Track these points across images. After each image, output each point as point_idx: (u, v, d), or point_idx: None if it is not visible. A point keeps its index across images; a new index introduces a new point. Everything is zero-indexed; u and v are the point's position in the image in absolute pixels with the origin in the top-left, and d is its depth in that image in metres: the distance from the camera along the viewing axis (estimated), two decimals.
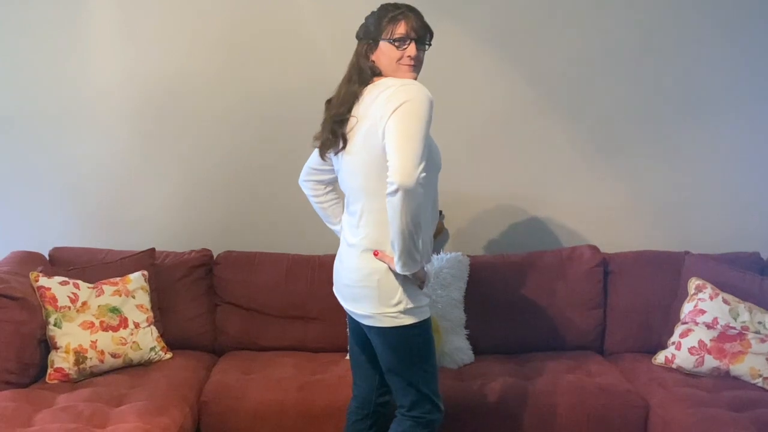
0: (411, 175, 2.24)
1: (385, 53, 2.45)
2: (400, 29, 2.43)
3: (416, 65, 2.45)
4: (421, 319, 2.48)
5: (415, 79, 2.45)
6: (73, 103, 3.60)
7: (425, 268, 2.51)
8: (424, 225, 2.42)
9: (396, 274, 2.42)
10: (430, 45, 2.50)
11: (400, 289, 2.44)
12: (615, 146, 3.68)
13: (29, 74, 3.58)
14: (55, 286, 3.10)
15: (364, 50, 2.49)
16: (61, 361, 3.01)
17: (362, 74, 2.48)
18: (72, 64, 3.58)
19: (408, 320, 2.46)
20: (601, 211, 3.71)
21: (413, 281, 2.45)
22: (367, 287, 2.48)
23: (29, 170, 3.64)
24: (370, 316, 2.49)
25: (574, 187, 3.70)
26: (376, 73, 2.48)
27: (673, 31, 3.60)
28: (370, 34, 2.48)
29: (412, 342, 2.50)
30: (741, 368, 3.09)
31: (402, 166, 2.25)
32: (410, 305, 2.45)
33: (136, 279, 3.29)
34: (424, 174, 2.27)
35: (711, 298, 3.24)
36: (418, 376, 2.53)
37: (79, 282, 3.17)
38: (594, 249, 3.53)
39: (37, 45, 3.55)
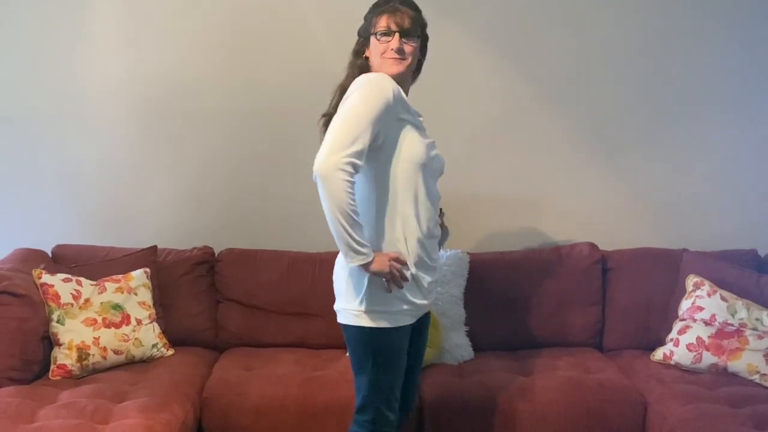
0: (326, 160, 2.18)
1: (372, 48, 2.41)
2: (382, 22, 2.37)
3: (402, 58, 2.36)
4: (385, 325, 2.36)
5: (403, 73, 2.37)
6: (76, 101, 3.60)
7: (412, 273, 2.37)
8: (373, 217, 2.35)
9: (362, 272, 2.32)
10: (419, 37, 2.42)
11: (365, 288, 2.34)
12: (614, 145, 3.68)
13: (32, 73, 3.57)
14: (58, 283, 3.09)
15: (360, 47, 2.46)
16: (63, 357, 3.00)
17: (353, 71, 2.44)
18: (74, 63, 3.57)
19: (367, 322, 2.35)
20: (599, 209, 3.71)
21: (379, 282, 2.32)
22: (338, 281, 2.45)
23: (32, 168, 3.63)
24: (338, 310, 2.45)
25: (573, 185, 3.70)
26: (365, 69, 2.43)
27: (672, 30, 3.59)
28: (363, 31, 2.46)
29: (368, 346, 2.38)
30: (739, 365, 3.09)
31: (321, 152, 2.20)
32: (373, 307, 2.34)
33: (139, 276, 3.28)
34: (347, 160, 2.18)
35: (709, 295, 3.24)
36: (367, 383, 2.41)
37: (82, 279, 3.16)
38: (593, 246, 3.53)
39: (39, 44, 3.55)
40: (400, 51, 2.36)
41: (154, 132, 3.64)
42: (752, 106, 3.64)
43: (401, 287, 2.35)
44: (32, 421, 2.61)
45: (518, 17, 3.57)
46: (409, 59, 2.38)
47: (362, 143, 2.22)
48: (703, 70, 3.62)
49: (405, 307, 2.39)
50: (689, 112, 3.65)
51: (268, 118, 3.62)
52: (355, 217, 2.22)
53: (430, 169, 2.42)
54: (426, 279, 2.44)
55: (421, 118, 2.47)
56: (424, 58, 2.52)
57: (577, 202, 3.71)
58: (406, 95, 2.44)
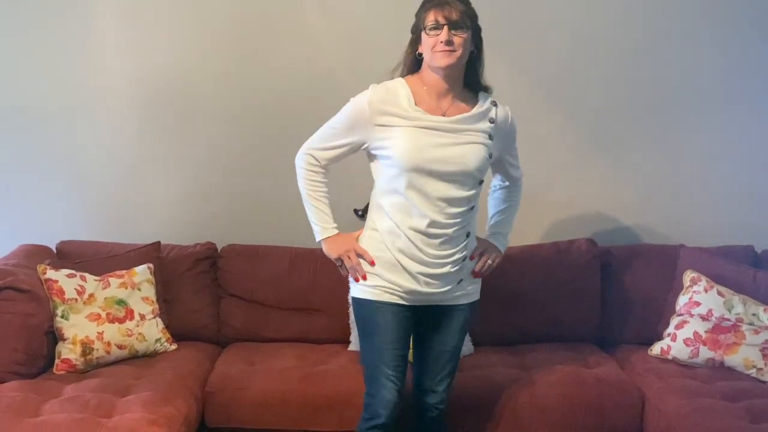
0: (298, 153, 2.63)
1: (424, 43, 2.43)
2: (431, 17, 2.39)
3: (452, 50, 2.38)
4: (362, 296, 2.55)
5: (453, 64, 2.40)
6: (81, 99, 3.59)
7: (371, 270, 2.53)
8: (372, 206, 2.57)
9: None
10: (470, 29, 2.42)
11: None
12: (612, 141, 3.67)
13: (38, 71, 3.57)
14: (63, 279, 3.08)
15: (411, 44, 2.51)
16: (68, 352, 3.00)
17: (402, 69, 2.53)
18: (80, 60, 3.57)
19: (353, 292, 2.60)
20: (598, 205, 3.70)
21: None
22: None
23: (38, 165, 3.63)
24: None
25: (571, 182, 3.69)
26: (410, 64, 2.51)
27: (669, 25, 3.57)
28: (414, 29, 2.50)
29: (356, 315, 2.64)
30: (735, 359, 3.08)
31: None
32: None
33: (142, 272, 3.27)
34: (307, 152, 2.59)
35: (706, 290, 3.23)
36: (362, 353, 2.64)
37: (86, 275, 3.15)
38: (591, 242, 3.51)
39: (46, 42, 3.54)
40: (449, 42, 2.37)
41: (157, 129, 3.63)
42: (750, 104, 3.62)
43: (356, 278, 2.56)
44: (37, 414, 2.61)
45: (515, 13, 3.56)
46: (460, 50, 2.40)
47: (330, 143, 2.54)
48: (701, 67, 3.60)
49: (383, 283, 2.51)
50: (687, 109, 3.64)
51: (271, 116, 3.61)
52: (308, 199, 2.60)
53: (426, 170, 2.42)
54: (413, 266, 2.48)
55: (443, 116, 2.46)
56: (480, 50, 2.52)
57: (576, 198, 3.70)
58: (458, 88, 2.49)
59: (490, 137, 2.50)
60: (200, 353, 3.27)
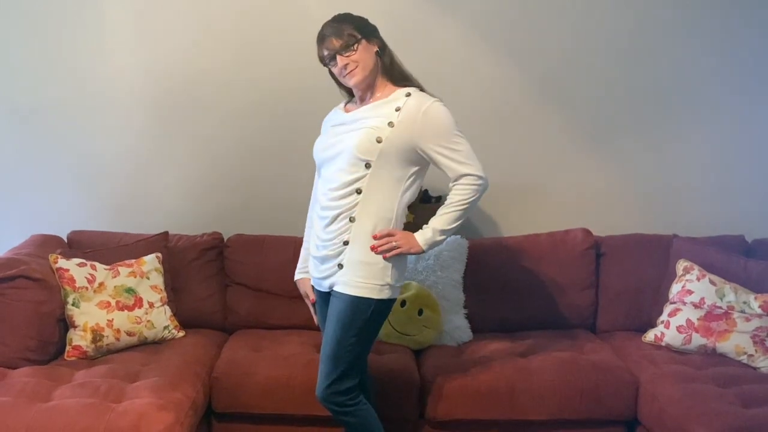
0: None
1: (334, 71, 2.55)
2: (321, 53, 2.52)
3: (351, 71, 2.48)
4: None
5: (360, 81, 2.49)
6: (91, 94, 3.57)
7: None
8: None
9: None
10: (363, 38, 2.48)
11: None
12: (607, 133, 3.64)
13: (48, 66, 3.55)
14: (73, 268, 3.06)
15: (329, 72, 2.62)
16: (79, 339, 2.98)
17: (341, 90, 2.69)
18: (89, 57, 3.54)
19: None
20: (593, 196, 3.67)
21: None
22: None
23: (50, 158, 3.62)
24: None
25: (567, 173, 3.66)
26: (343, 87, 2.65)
27: (665, 20, 3.54)
28: (320, 61, 2.58)
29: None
30: (727, 346, 3.06)
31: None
32: None
33: (151, 261, 3.25)
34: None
35: (698, 279, 3.21)
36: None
37: (96, 264, 3.13)
38: (587, 232, 3.49)
39: (57, 39, 3.53)
40: (345, 67, 2.48)
41: (165, 123, 3.61)
42: (741, 97, 3.59)
43: None
44: (48, 399, 2.60)
45: (514, 10, 3.53)
46: (358, 64, 2.48)
47: None
48: (694, 59, 3.57)
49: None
50: (680, 102, 3.61)
51: (276, 110, 3.59)
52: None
53: (318, 158, 2.61)
54: (313, 251, 2.63)
55: (340, 121, 2.58)
56: (383, 48, 2.54)
57: (572, 189, 3.68)
58: (379, 89, 2.54)
59: (391, 124, 2.45)
60: (207, 340, 3.25)
